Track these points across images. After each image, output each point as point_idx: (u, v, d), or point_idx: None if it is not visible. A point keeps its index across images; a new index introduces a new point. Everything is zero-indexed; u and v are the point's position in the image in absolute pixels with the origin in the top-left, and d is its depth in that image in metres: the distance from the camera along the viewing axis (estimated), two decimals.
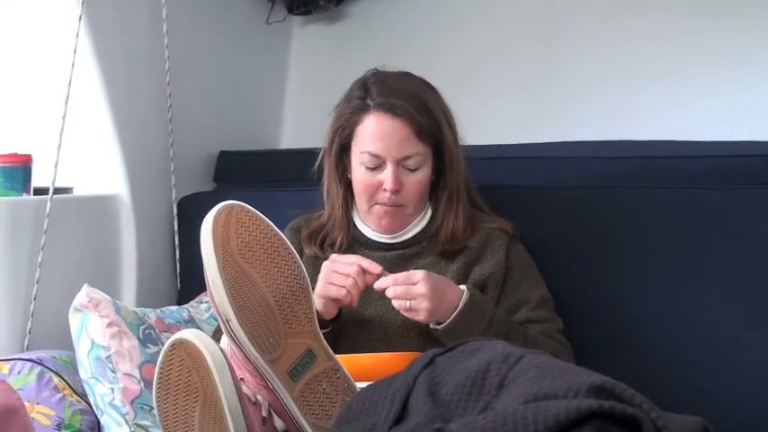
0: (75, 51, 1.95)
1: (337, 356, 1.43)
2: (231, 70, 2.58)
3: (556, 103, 2.41)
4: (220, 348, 1.31)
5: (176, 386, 1.30)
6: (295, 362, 1.36)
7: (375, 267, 1.62)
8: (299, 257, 1.41)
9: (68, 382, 1.79)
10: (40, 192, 1.97)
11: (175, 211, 2.31)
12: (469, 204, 1.81)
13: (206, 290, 1.36)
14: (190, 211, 2.28)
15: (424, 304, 1.56)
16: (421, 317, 1.58)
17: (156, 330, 1.86)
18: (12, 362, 1.78)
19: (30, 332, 1.89)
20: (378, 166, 1.70)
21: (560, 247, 1.93)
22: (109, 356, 1.76)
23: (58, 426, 1.72)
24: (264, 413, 1.35)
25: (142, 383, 1.75)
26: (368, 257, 1.76)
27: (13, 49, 2.20)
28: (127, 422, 1.73)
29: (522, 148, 2.18)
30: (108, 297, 1.82)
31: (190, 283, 2.23)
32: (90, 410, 1.79)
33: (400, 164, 1.69)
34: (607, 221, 1.94)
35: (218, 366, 1.27)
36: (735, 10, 2.23)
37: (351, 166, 1.76)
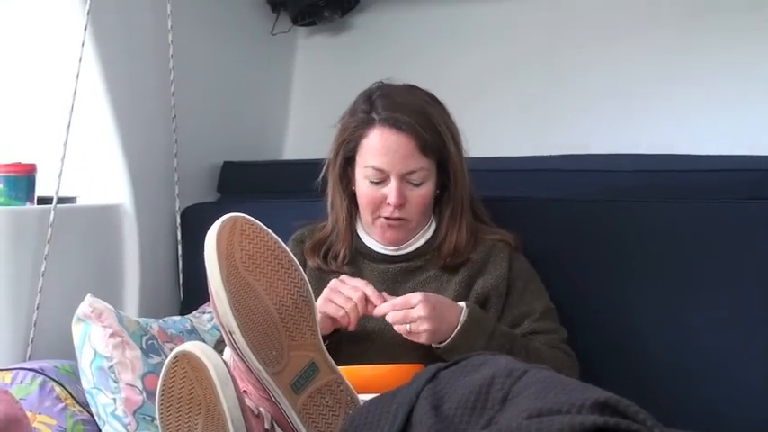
0: (80, 61, 1.96)
1: (340, 369, 1.43)
2: (235, 81, 2.58)
3: (560, 117, 2.41)
4: (223, 360, 1.30)
5: (179, 398, 1.30)
6: (298, 374, 1.36)
7: (378, 299, 1.62)
8: (302, 270, 1.41)
9: (71, 391, 1.79)
10: (44, 201, 1.97)
11: (179, 221, 2.31)
12: (472, 217, 1.81)
13: (209, 300, 1.36)
14: (193, 222, 2.28)
15: (423, 326, 1.57)
16: (422, 339, 1.59)
17: (159, 341, 1.85)
18: (14, 371, 1.77)
19: (32, 341, 1.88)
20: (382, 180, 1.70)
21: (564, 259, 1.94)
22: (111, 366, 1.75)
23: None
24: (267, 426, 1.35)
25: (144, 394, 1.75)
26: (371, 270, 1.77)
27: (17, 59, 2.20)
28: None
29: (526, 161, 2.19)
30: (111, 307, 1.81)
31: (192, 294, 2.23)
32: (92, 420, 1.78)
33: (404, 178, 1.70)
34: (610, 234, 1.95)
35: (222, 379, 1.27)
36: (733, 26, 2.24)
37: (355, 178, 1.76)
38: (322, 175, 1.83)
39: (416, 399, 1.19)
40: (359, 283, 1.64)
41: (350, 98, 1.79)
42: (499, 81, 2.50)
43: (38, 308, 1.89)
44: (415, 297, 1.59)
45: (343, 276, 1.68)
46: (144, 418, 1.74)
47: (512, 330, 1.70)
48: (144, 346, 1.80)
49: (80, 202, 2.13)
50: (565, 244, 1.96)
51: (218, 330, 1.80)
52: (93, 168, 2.16)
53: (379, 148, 1.69)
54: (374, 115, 1.70)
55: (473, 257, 1.76)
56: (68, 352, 1.83)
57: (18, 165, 1.96)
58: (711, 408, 1.78)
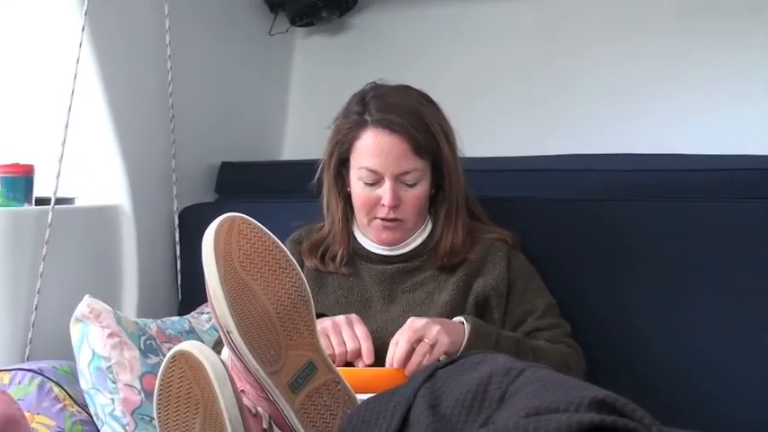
0: (77, 62, 1.96)
1: (338, 369, 1.42)
2: (234, 81, 2.58)
3: (560, 117, 2.42)
4: (221, 360, 1.30)
5: (177, 398, 1.29)
6: (296, 374, 1.36)
7: (369, 358, 1.56)
8: (300, 270, 1.40)
9: (69, 392, 1.79)
10: (42, 202, 1.97)
11: (177, 221, 2.31)
12: (469, 216, 1.81)
13: (207, 301, 1.35)
14: (191, 222, 2.28)
15: (442, 337, 1.53)
16: (445, 347, 1.53)
17: (157, 341, 1.85)
18: (12, 372, 1.77)
19: (30, 342, 1.88)
20: (376, 181, 1.70)
21: (563, 259, 1.94)
22: (110, 367, 1.75)
23: None
24: (265, 425, 1.35)
25: (143, 394, 1.75)
26: (368, 271, 1.77)
27: (15, 60, 2.20)
28: None
29: (525, 161, 2.19)
30: (109, 308, 1.82)
31: (191, 294, 2.23)
32: (90, 421, 1.78)
33: (398, 179, 1.69)
34: (609, 233, 1.95)
35: (219, 378, 1.26)
36: (732, 28, 2.24)
37: (349, 180, 1.76)
38: (317, 176, 1.82)
39: (414, 398, 1.18)
40: (363, 335, 1.58)
41: (348, 98, 1.78)
42: (499, 81, 2.50)
43: (36, 308, 1.89)
44: (415, 323, 1.54)
45: (353, 317, 1.61)
46: (142, 418, 1.74)
47: (515, 334, 1.69)
48: (142, 347, 1.80)
49: (78, 203, 2.13)
50: (564, 244, 1.96)
51: (217, 331, 1.80)
52: (92, 169, 2.16)
53: (373, 149, 1.68)
54: (367, 116, 1.70)
55: (471, 257, 1.76)
56: (67, 352, 1.83)
57: (16, 165, 1.96)
58: (711, 407, 1.78)
